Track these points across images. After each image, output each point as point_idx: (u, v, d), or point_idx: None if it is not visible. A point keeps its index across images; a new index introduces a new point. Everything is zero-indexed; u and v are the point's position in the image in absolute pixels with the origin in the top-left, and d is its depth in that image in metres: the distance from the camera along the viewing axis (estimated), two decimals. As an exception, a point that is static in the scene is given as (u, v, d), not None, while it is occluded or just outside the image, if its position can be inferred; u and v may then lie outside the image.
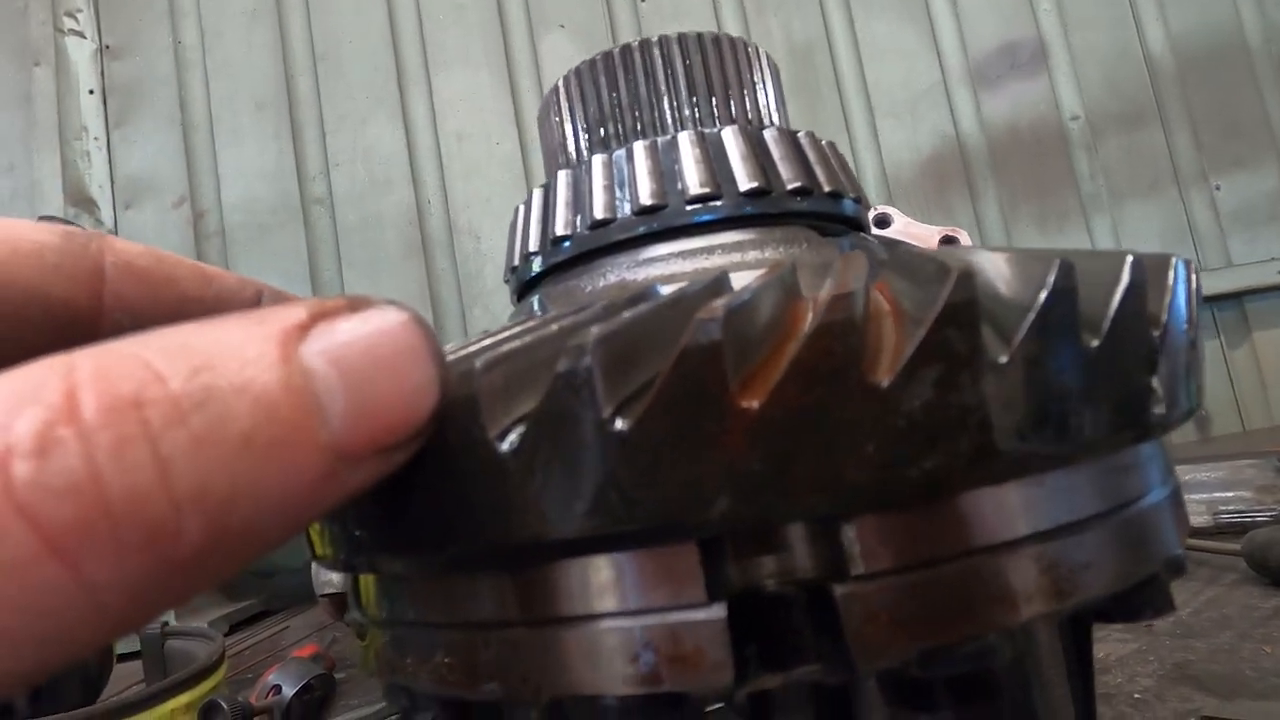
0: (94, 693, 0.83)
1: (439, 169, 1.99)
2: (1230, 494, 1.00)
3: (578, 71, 0.32)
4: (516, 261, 0.32)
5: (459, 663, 0.19)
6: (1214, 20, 1.99)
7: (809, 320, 0.15)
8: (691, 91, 0.30)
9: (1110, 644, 0.68)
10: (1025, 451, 0.16)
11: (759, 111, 0.31)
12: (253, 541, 0.13)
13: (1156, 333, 0.19)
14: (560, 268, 0.30)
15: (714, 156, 0.28)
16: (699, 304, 0.16)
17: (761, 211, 0.28)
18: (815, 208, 0.28)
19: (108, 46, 2.03)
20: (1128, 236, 1.95)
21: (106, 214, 1.97)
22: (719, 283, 0.19)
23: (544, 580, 0.18)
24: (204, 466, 0.12)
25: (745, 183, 0.27)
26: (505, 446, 0.16)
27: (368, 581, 0.25)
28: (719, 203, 0.28)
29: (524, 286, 0.33)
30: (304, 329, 0.14)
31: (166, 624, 0.93)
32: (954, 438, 0.16)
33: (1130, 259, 0.18)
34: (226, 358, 0.13)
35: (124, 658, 0.99)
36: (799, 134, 0.29)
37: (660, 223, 0.28)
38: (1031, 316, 0.16)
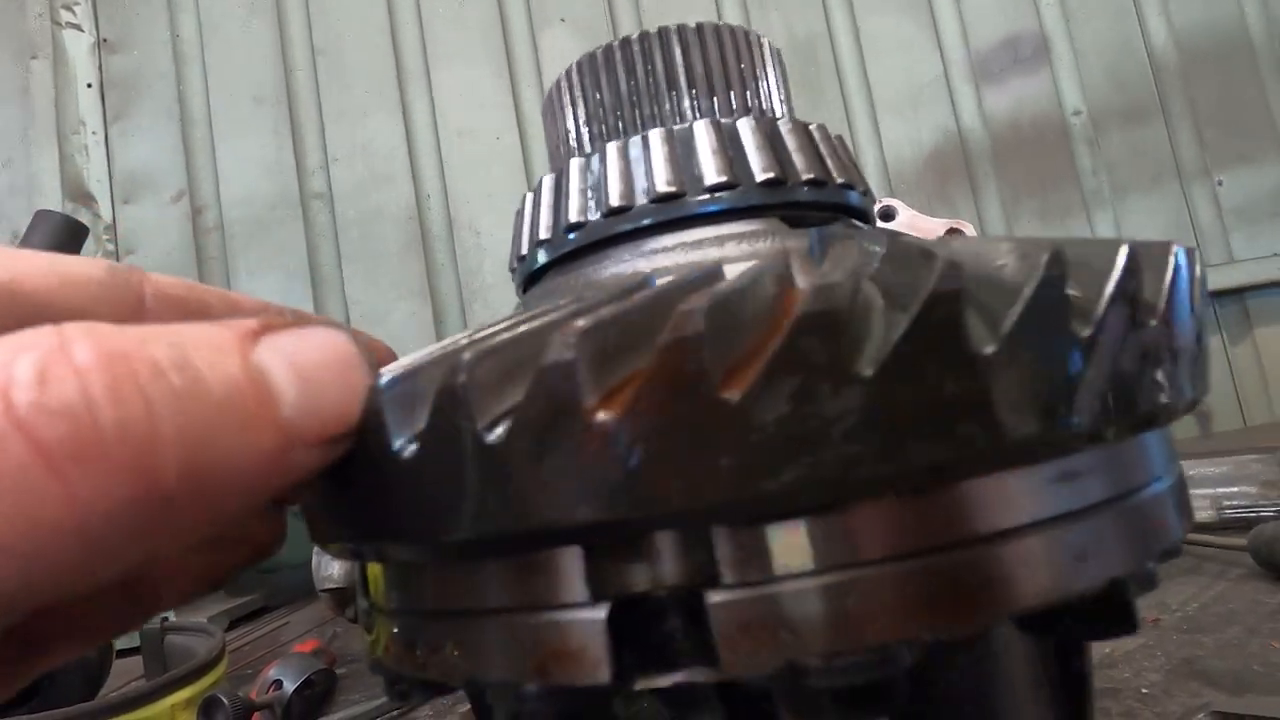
0: (95, 688, 0.82)
1: (439, 164, 1.99)
2: (1235, 489, 0.99)
3: (586, 61, 0.31)
4: (524, 251, 0.32)
5: (402, 648, 0.22)
6: (1217, 15, 1.99)
7: (662, 335, 0.16)
8: (703, 82, 0.30)
9: (1115, 639, 0.68)
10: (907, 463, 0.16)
11: (769, 102, 0.31)
12: (217, 496, 0.15)
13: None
14: (570, 257, 0.30)
15: (731, 146, 0.27)
16: (563, 320, 0.18)
17: (776, 201, 0.27)
18: (826, 199, 0.28)
19: (105, 40, 2.02)
20: (1130, 231, 1.95)
21: (105, 209, 1.96)
22: (579, 309, 0.19)
23: (470, 573, 0.20)
24: (184, 413, 0.14)
25: (761, 173, 0.27)
26: (404, 452, 0.18)
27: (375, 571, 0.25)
28: (734, 192, 0.27)
29: (530, 277, 0.32)
30: (256, 334, 0.17)
31: (166, 619, 0.93)
32: (814, 451, 0.15)
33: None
34: (200, 344, 0.16)
35: (124, 653, 0.99)
36: (811, 126, 0.29)
37: (675, 212, 0.27)
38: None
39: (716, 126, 0.28)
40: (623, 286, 0.20)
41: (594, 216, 0.28)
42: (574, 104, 0.32)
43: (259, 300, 0.28)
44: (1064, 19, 2.00)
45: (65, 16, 1.99)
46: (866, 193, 0.31)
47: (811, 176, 0.28)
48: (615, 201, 0.27)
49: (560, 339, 0.16)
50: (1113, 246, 0.18)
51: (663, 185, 0.27)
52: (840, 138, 0.31)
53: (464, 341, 0.19)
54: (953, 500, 0.17)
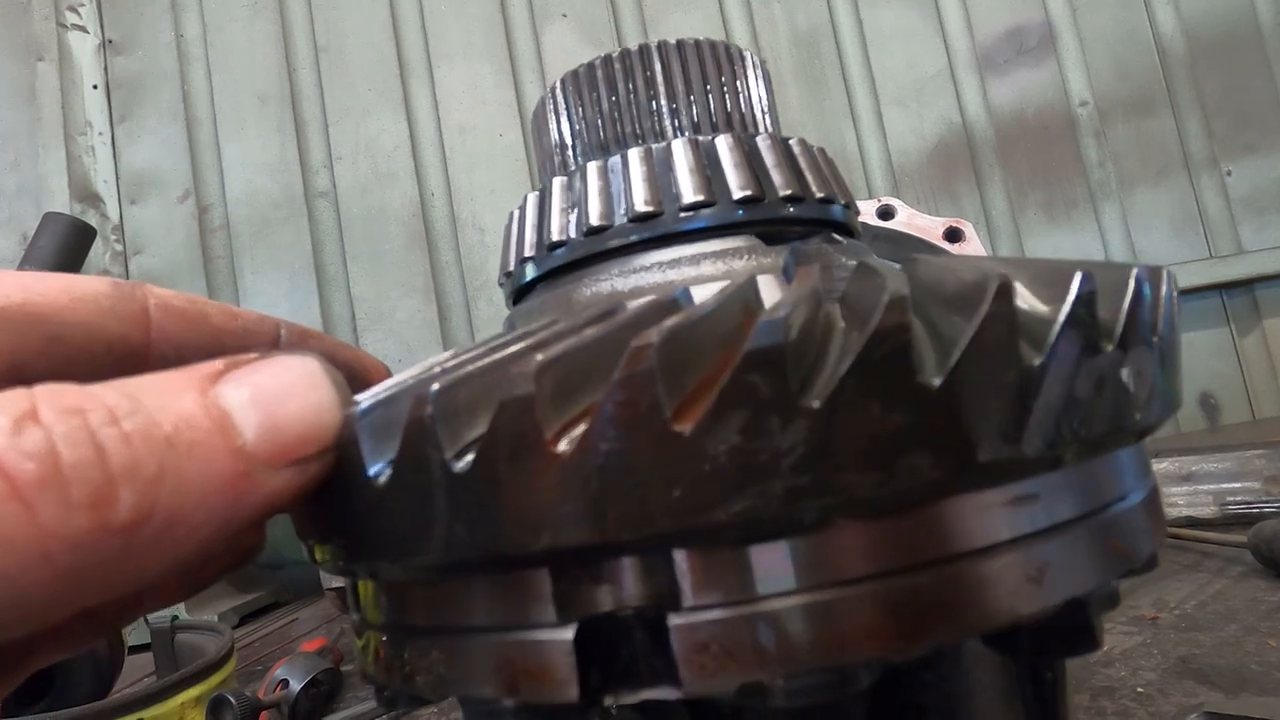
0: (106, 686, 0.84)
1: (442, 161, 1.99)
2: (1238, 484, 0.99)
3: (570, 78, 0.31)
4: (511, 266, 0.32)
5: (388, 661, 0.22)
6: (1226, 3, 1.96)
7: (617, 370, 0.16)
8: (685, 98, 0.30)
9: (1114, 637, 0.68)
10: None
11: (751, 117, 0.31)
12: (182, 522, 0.17)
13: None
14: (554, 274, 0.30)
15: (708, 164, 0.28)
16: (523, 354, 0.18)
17: (753, 218, 0.28)
18: (805, 214, 0.28)
19: (110, 41, 2.03)
20: (1137, 224, 1.93)
21: (112, 209, 1.98)
22: (540, 341, 0.20)
23: (448, 592, 0.21)
24: (134, 453, 0.16)
25: (738, 191, 0.27)
26: (379, 478, 0.19)
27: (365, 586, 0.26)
28: (711, 210, 0.27)
29: (518, 291, 0.33)
30: (219, 374, 0.18)
31: (176, 618, 0.94)
32: (764, 482, 0.16)
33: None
34: (152, 389, 0.17)
35: (135, 650, 1.01)
36: (790, 140, 0.29)
37: (654, 230, 0.28)
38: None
39: (694, 145, 0.28)
40: (585, 317, 0.20)
41: (575, 235, 0.28)
42: (559, 120, 0.32)
43: (255, 313, 0.29)
44: (1070, 9, 1.98)
45: (70, 18, 2.00)
46: (849, 205, 0.32)
47: (790, 193, 0.28)
48: (595, 221, 0.28)
49: (519, 373, 0.16)
50: (1070, 271, 0.18)
51: (641, 204, 0.27)
52: (823, 150, 0.32)
53: (437, 370, 0.20)
54: (908, 525, 0.18)
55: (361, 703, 0.76)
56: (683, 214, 0.27)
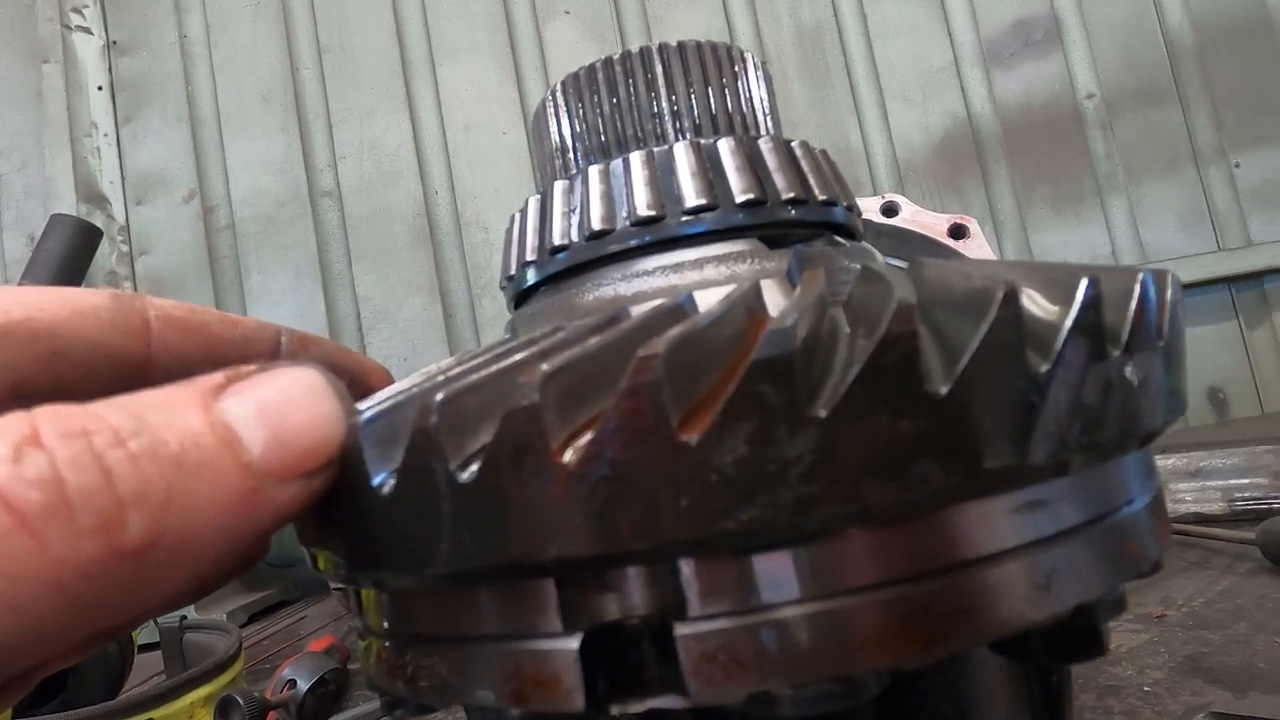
0: (117, 686, 0.85)
1: (445, 160, 1.99)
2: (1246, 480, 0.98)
3: (570, 80, 0.31)
4: (513, 270, 0.32)
5: (391, 668, 0.23)
6: (1235, -8, 1.94)
7: (623, 380, 0.16)
8: (686, 100, 0.30)
9: (1121, 635, 0.68)
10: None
11: (753, 119, 0.31)
12: (193, 542, 0.16)
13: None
14: (556, 278, 0.30)
15: (710, 167, 0.28)
16: (529, 362, 0.18)
17: (756, 221, 0.27)
18: (808, 216, 0.28)
19: (115, 42, 2.04)
20: (1145, 217, 1.92)
21: (118, 210, 1.99)
22: (546, 349, 0.19)
23: (453, 601, 0.21)
24: (141, 475, 0.16)
25: (740, 194, 0.27)
26: (384, 488, 0.19)
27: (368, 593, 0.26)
28: (714, 214, 0.27)
29: (520, 295, 0.33)
30: (221, 387, 0.18)
31: (185, 617, 0.95)
32: (772, 491, 0.16)
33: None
34: (156, 406, 0.17)
35: (144, 648, 1.01)
36: (792, 143, 0.29)
37: (656, 234, 0.28)
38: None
39: (696, 148, 0.28)
40: (589, 324, 0.20)
41: (577, 239, 0.28)
42: (559, 124, 0.32)
43: (255, 320, 0.29)
44: (1076, 0, 1.96)
45: (74, 19, 2.01)
46: (851, 207, 0.32)
47: (792, 195, 0.28)
48: (597, 225, 0.28)
49: (525, 382, 0.16)
50: (1076, 276, 0.18)
51: (643, 208, 0.27)
52: (825, 152, 0.31)
53: (440, 378, 0.20)
54: (916, 533, 0.18)
55: (368, 702, 0.76)
56: (685, 218, 0.27)
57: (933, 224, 0.82)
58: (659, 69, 0.30)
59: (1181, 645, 0.64)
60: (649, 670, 0.18)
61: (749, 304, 0.19)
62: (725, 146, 0.28)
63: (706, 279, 0.26)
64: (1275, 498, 0.93)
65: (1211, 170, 1.90)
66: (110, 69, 2.02)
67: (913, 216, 0.83)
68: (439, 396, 0.17)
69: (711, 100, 0.30)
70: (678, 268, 0.27)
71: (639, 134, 0.30)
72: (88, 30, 2.01)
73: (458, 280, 1.97)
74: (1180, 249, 1.88)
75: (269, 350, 0.28)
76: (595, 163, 0.29)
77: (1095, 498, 0.20)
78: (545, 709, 0.19)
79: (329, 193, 1.98)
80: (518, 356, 0.19)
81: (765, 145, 0.28)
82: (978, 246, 0.79)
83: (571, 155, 0.31)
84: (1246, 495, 0.95)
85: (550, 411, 0.16)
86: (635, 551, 0.17)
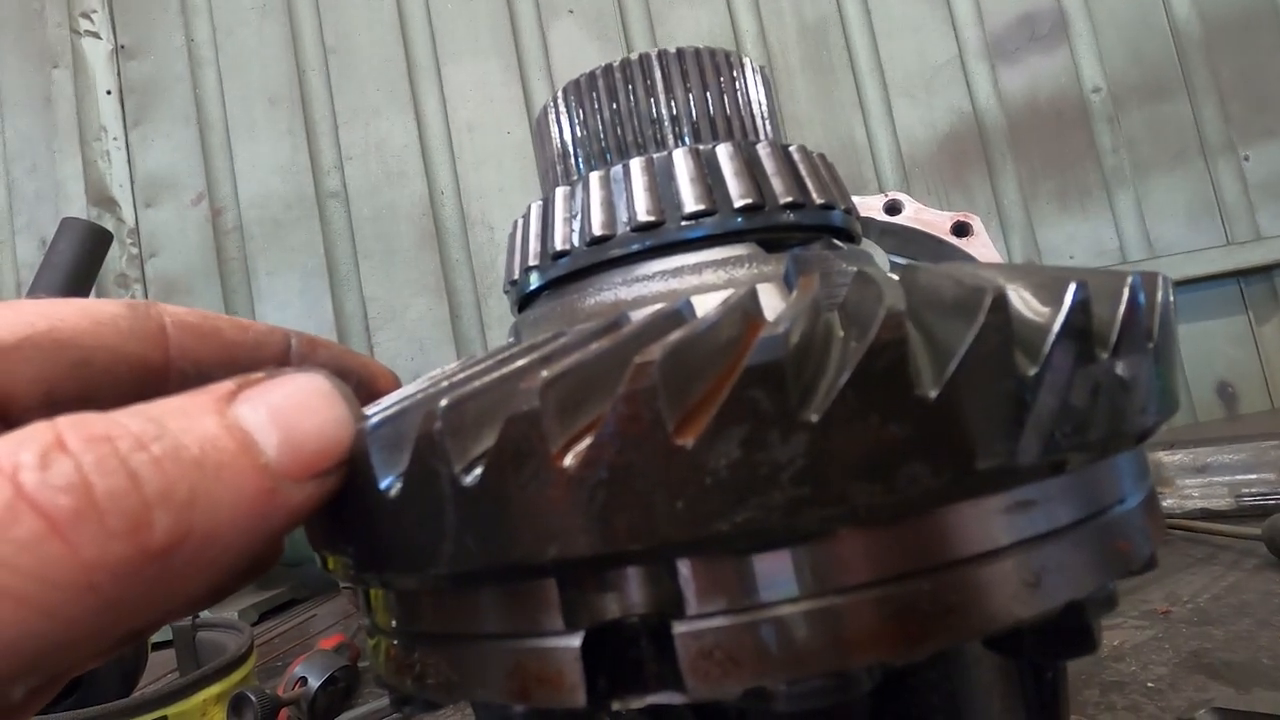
0: (131, 684, 0.86)
1: (451, 160, 2.00)
2: (1254, 476, 0.98)
3: (571, 87, 0.32)
4: (516, 275, 0.33)
5: (398, 666, 0.23)
6: (1243, -16, 1.92)
7: (620, 386, 0.16)
8: (685, 106, 0.30)
9: (1125, 631, 0.68)
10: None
11: (751, 124, 0.31)
12: (216, 540, 0.17)
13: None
14: (558, 283, 0.31)
15: (709, 172, 0.28)
16: (530, 369, 0.19)
17: (755, 226, 0.28)
18: (806, 220, 0.28)
19: (123, 46, 2.05)
20: (1152, 211, 1.91)
21: (128, 213, 2.00)
22: (546, 355, 0.20)
23: (458, 601, 0.21)
24: (165, 477, 0.16)
25: (739, 199, 0.27)
26: (390, 491, 0.19)
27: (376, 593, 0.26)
28: (713, 218, 0.28)
29: (523, 300, 0.33)
30: (233, 393, 0.19)
31: (197, 617, 0.96)
32: (765, 493, 0.16)
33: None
34: (174, 412, 0.18)
35: (157, 646, 1.03)
36: (790, 147, 0.29)
37: (656, 239, 0.28)
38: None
39: (695, 153, 0.28)
40: (590, 330, 0.20)
41: (578, 244, 0.29)
42: (560, 131, 0.32)
43: (265, 324, 0.29)
44: (1082, -7, 1.95)
45: (83, 24, 2.02)
46: (849, 210, 0.32)
47: (790, 199, 0.29)
48: (598, 230, 0.28)
49: (526, 389, 0.17)
50: (1065, 280, 0.19)
51: (643, 214, 0.28)
52: (823, 156, 0.32)
53: (444, 383, 0.20)
54: (908, 532, 0.18)
55: (378, 699, 0.77)
56: (684, 223, 0.28)
57: (936, 222, 0.82)
58: (658, 75, 0.31)
59: (1186, 641, 0.64)
60: (648, 667, 0.19)
61: (745, 309, 0.20)
62: (724, 152, 0.28)
63: (705, 283, 0.27)
64: (1282, 493, 0.93)
65: (1220, 163, 1.89)
66: (119, 73, 2.04)
67: (916, 215, 0.83)
68: (443, 402, 0.18)
69: (710, 106, 0.31)
70: (677, 272, 0.27)
71: (639, 140, 0.31)
72: (96, 35, 2.03)
73: (463, 280, 1.98)
74: (1188, 243, 1.87)
75: (279, 353, 0.28)
76: (596, 169, 0.30)
77: (1086, 497, 0.20)
78: (548, 705, 0.19)
79: (335, 194, 1.99)
80: (519, 363, 0.19)
81: (763, 150, 0.29)
82: (981, 244, 0.80)
83: (573, 161, 0.32)
84: (1253, 491, 0.95)
85: (550, 417, 0.17)
86: (633, 552, 0.17)
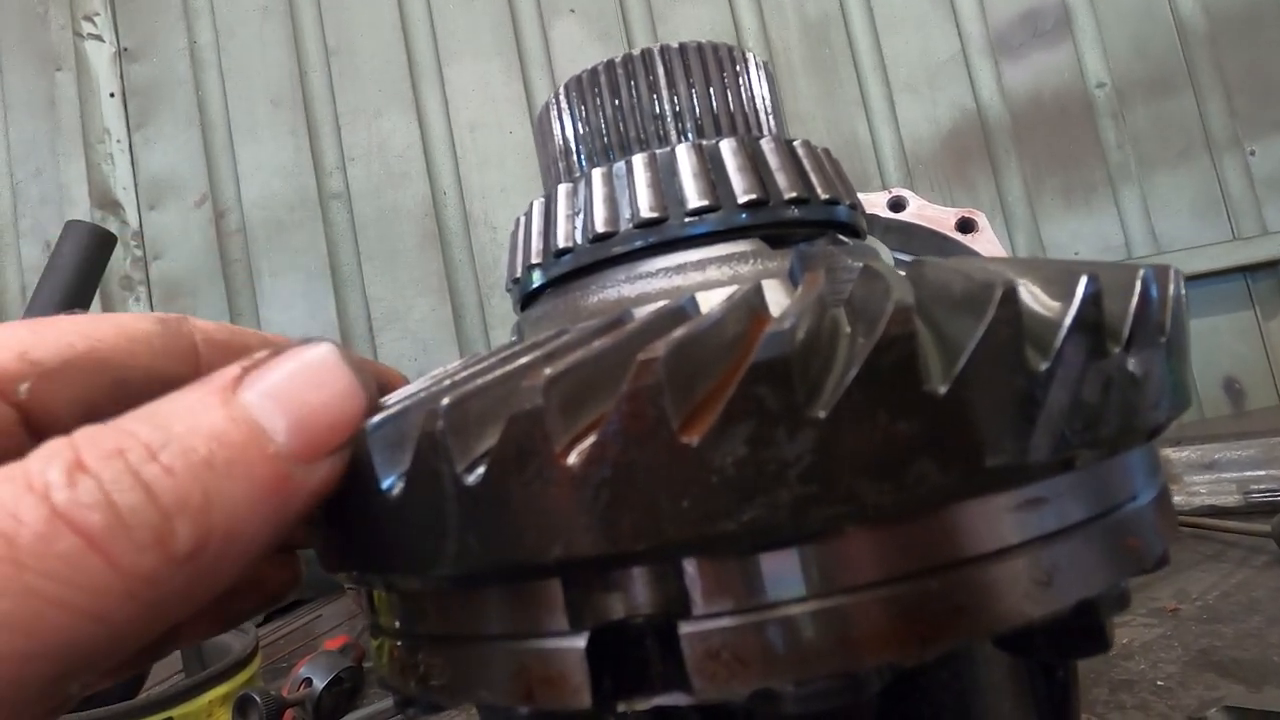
0: (137, 684, 0.86)
1: (453, 160, 2.00)
2: (1262, 472, 0.97)
3: (573, 84, 0.32)
4: (518, 273, 0.32)
5: (402, 667, 0.23)
6: (1248, -23, 1.91)
7: (624, 384, 0.16)
8: (687, 102, 0.30)
9: (1134, 629, 0.67)
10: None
11: (755, 119, 0.31)
12: (238, 537, 0.17)
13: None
14: (561, 280, 0.31)
15: (712, 168, 0.28)
16: (533, 367, 0.19)
17: (759, 221, 0.28)
18: (810, 215, 0.28)
19: (126, 49, 2.06)
20: (1157, 207, 1.90)
21: (132, 215, 2.01)
22: (549, 353, 0.20)
23: (463, 602, 0.21)
24: (178, 485, 0.17)
25: (743, 194, 0.27)
26: (392, 491, 0.19)
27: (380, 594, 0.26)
28: (717, 214, 0.27)
29: (526, 298, 0.33)
30: (238, 380, 0.18)
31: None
32: (772, 492, 0.16)
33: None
34: (180, 412, 0.18)
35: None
36: (794, 142, 0.29)
37: (660, 236, 0.28)
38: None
39: (698, 149, 0.28)
40: (593, 328, 0.20)
41: (581, 242, 0.29)
42: (562, 127, 0.32)
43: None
44: (1086, -12, 1.94)
45: (86, 27, 2.03)
46: (854, 206, 0.32)
47: (795, 195, 0.28)
48: (600, 227, 0.28)
49: (529, 387, 0.17)
50: (1076, 274, 0.18)
51: (646, 210, 0.27)
52: (827, 151, 0.32)
53: (446, 382, 0.20)
54: (917, 531, 0.18)
55: (383, 700, 0.77)
56: (688, 219, 0.28)
57: (940, 218, 0.82)
58: (660, 71, 0.30)
59: (1195, 639, 0.64)
60: (654, 668, 0.19)
61: (750, 305, 0.19)
62: (727, 147, 0.28)
63: (710, 280, 0.27)
64: (1291, 489, 0.92)
65: (1226, 158, 1.88)
66: (122, 76, 2.04)
67: (920, 211, 0.83)
68: (445, 401, 0.18)
69: (713, 101, 0.30)
70: (681, 269, 0.27)
71: (642, 136, 0.30)
72: (99, 38, 2.04)
73: (466, 280, 1.97)
74: (1194, 238, 1.86)
75: None
76: (599, 165, 0.30)
77: (1098, 494, 0.20)
78: (553, 707, 0.19)
79: (338, 195, 2.00)
80: (522, 361, 0.19)
81: (767, 145, 0.28)
82: (986, 240, 0.79)
83: (575, 158, 0.32)
84: (1262, 487, 0.94)
85: (553, 415, 0.17)
86: (638, 552, 0.17)
